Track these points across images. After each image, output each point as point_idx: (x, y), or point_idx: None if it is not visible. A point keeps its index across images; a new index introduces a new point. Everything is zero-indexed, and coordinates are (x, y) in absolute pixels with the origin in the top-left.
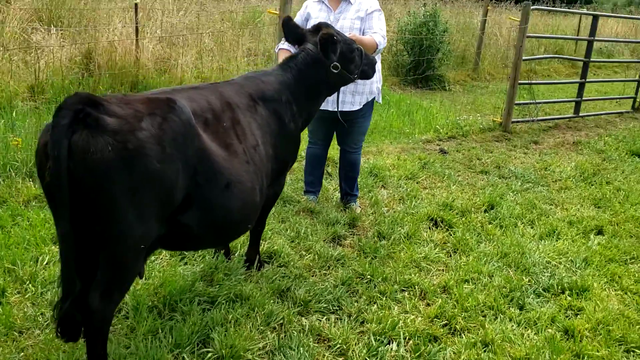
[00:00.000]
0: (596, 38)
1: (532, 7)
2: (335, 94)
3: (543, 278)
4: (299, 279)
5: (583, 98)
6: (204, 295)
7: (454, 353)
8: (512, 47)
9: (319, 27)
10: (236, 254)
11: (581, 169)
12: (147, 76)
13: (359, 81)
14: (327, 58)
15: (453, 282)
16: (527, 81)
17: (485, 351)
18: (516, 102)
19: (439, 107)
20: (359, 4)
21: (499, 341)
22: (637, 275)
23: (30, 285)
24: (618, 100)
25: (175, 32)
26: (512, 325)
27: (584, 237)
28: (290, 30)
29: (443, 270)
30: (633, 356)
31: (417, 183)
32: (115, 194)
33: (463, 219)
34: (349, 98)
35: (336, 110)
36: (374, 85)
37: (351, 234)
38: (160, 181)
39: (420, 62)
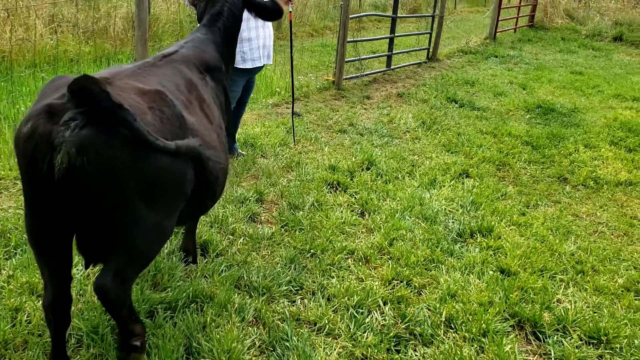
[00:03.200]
0: None
1: None
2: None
3: (451, 225)
4: (245, 266)
5: (393, 52)
6: (159, 302)
7: (429, 310)
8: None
9: None
10: (166, 252)
11: (420, 119)
12: None
13: (268, 34)
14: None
15: (385, 242)
16: (353, 39)
17: (456, 302)
18: (346, 59)
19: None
20: None
21: (460, 290)
22: (516, 209)
23: None
24: (416, 51)
25: None
26: (458, 274)
27: (458, 182)
28: None
29: (366, 232)
30: (557, 281)
31: (290, 149)
32: (127, 192)
33: (354, 180)
34: (272, 52)
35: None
36: None
37: (265, 210)
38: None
39: None
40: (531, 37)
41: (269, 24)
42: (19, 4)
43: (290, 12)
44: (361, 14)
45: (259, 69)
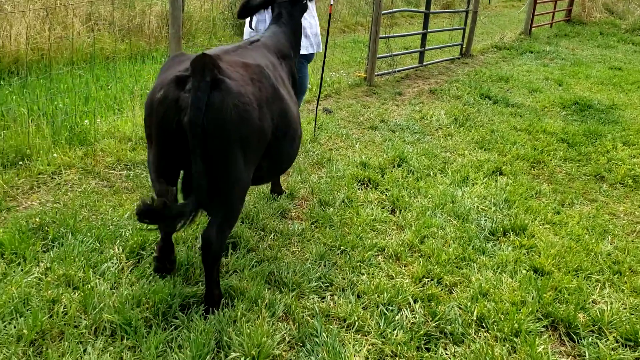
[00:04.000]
0: None
1: None
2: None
3: (483, 223)
4: (276, 261)
5: (426, 48)
6: (191, 296)
7: (460, 308)
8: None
9: None
10: (198, 247)
11: (452, 115)
12: None
13: (316, 23)
14: None
15: (416, 240)
16: (385, 35)
17: (488, 301)
18: (378, 56)
19: None
20: None
21: (492, 289)
22: (551, 208)
23: None
24: (449, 47)
25: None
26: (490, 273)
27: (491, 180)
28: None
29: (397, 229)
30: (592, 281)
31: (322, 145)
32: (233, 145)
33: (385, 176)
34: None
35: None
36: None
37: (295, 206)
38: (261, 135)
39: None
40: (568, 32)
41: (315, 14)
42: (58, 3)
43: (332, 5)
44: (393, 10)
45: (312, 55)
